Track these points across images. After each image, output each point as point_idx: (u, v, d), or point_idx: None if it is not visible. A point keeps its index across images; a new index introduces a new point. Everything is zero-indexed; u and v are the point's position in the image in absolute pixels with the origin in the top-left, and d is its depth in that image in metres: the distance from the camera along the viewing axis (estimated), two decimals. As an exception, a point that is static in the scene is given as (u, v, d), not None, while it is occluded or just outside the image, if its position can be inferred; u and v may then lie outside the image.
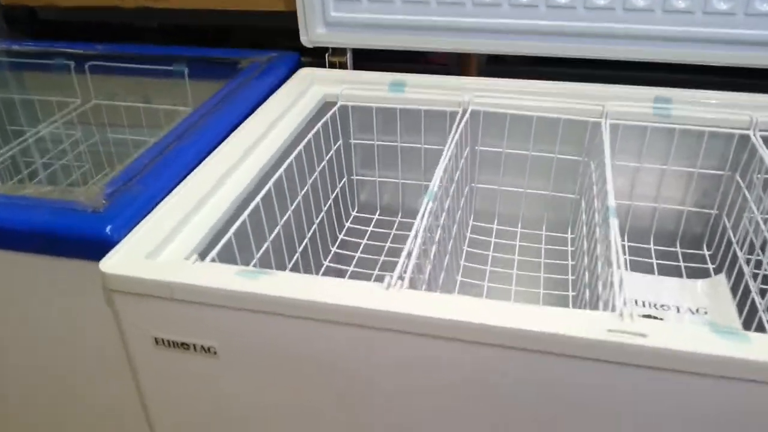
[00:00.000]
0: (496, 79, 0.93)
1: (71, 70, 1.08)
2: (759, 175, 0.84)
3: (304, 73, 0.98)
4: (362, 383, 0.58)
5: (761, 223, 0.79)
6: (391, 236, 1.01)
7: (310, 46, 1.00)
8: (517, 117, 0.91)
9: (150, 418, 0.66)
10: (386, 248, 0.99)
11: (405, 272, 0.57)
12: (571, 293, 0.90)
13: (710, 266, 0.92)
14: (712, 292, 0.86)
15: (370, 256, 0.97)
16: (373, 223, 1.04)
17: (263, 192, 0.73)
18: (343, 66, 1.01)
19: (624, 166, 0.92)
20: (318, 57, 1.02)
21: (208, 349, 0.59)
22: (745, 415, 0.50)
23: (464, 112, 0.91)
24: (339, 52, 1.00)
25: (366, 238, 1.00)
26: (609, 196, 0.70)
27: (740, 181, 0.88)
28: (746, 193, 0.86)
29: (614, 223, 0.65)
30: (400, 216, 1.05)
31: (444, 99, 0.93)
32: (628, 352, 0.49)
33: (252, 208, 0.70)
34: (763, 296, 0.77)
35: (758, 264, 0.79)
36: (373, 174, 1.02)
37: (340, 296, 0.53)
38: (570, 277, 0.93)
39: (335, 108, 0.94)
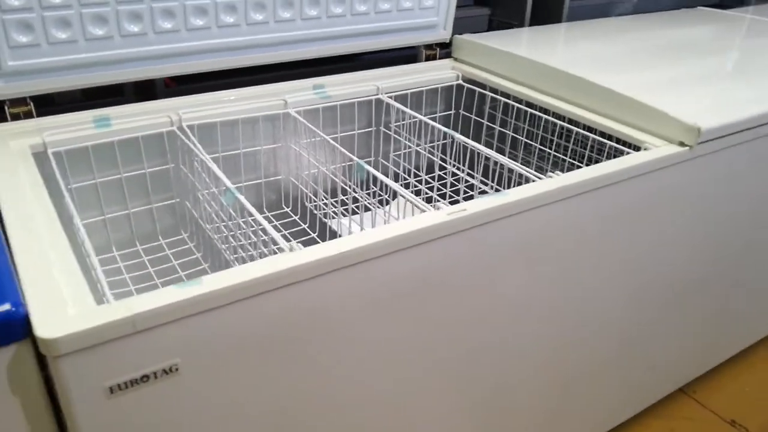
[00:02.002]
0: (195, 95, 1.05)
1: None
2: (393, 124, 1.21)
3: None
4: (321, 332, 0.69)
5: (423, 152, 1.16)
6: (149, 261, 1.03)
7: (-18, 101, 0.92)
8: (226, 123, 1.05)
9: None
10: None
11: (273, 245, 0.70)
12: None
13: (386, 196, 1.26)
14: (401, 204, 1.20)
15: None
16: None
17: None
18: (28, 115, 0.96)
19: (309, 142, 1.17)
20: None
21: (170, 369, 0.61)
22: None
23: (181, 129, 1.01)
24: (19, 101, 0.95)
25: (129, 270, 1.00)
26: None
27: (385, 131, 1.23)
28: (397, 137, 1.21)
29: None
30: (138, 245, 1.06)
31: (155, 122, 1.00)
32: (465, 220, 0.76)
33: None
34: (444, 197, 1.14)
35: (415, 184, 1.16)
36: (99, 213, 1.01)
37: (278, 265, 0.64)
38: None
39: (51, 156, 0.91)
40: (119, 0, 0.95)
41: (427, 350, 0.84)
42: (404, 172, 1.24)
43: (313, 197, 1.19)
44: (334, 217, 1.17)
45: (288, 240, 0.69)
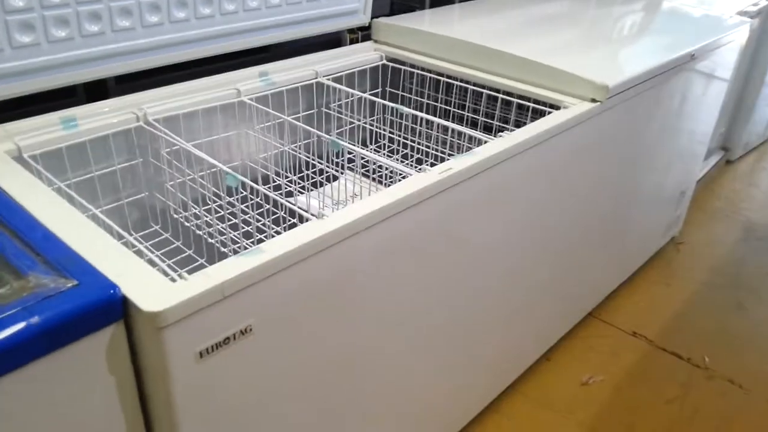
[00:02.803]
0: (153, 90, 1.07)
1: None
2: (334, 104, 1.30)
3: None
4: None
5: (368, 127, 1.26)
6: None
7: (-54, 110, 0.89)
8: (188, 114, 1.09)
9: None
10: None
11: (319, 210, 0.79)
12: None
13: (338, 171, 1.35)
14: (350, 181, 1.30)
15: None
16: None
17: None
18: (-12, 121, 0.94)
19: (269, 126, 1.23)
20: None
21: (245, 330, 0.68)
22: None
23: (148, 123, 1.03)
24: (-17, 107, 0.93)
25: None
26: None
27: (326, 111, 1.32)
28: (336, 116, 1.30)
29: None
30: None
31: (121, 119, 1.02)
32: (453, 179, 0.88)
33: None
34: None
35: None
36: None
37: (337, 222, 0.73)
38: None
39: (29, 159, 0.90)
40: (79, 1, 0.95)
41: (432, 285, 0.97)
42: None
43: (276, 177, 1.26)
44: (301, 193, 1.25)
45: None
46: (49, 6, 0.93)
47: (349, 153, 1.25)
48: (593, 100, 1.17)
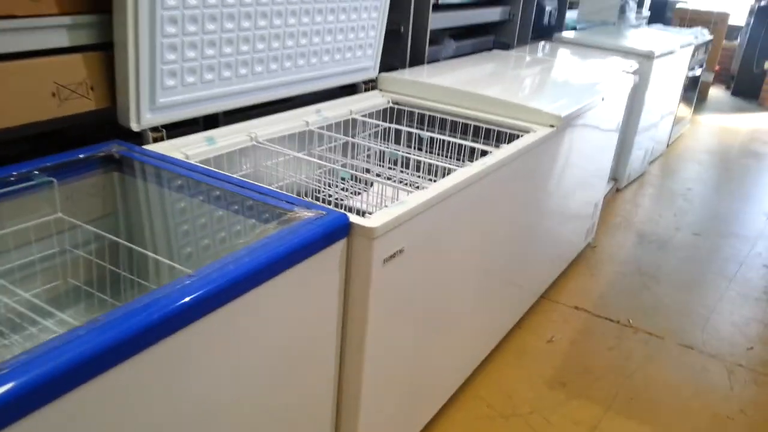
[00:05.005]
0: (250, 121, 1.47)
1: None
2: (363, 133, 1.75)
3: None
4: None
5: (391, 150, 1.70)
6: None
7: (138, 130, 1.25)
8: (281, 138, 1.50)
9: (370, 320, 1.07)
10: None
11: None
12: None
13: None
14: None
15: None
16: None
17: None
18: (161, 139, 1.30)
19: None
20: (128, 137, 1.26)
21: (401, 250, 1.10)
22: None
23: (258, 142, 1.43)
24: (156, 129, 1.29)
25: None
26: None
27: (353, 141, 1.76)
28: (365, 144, 1.75)
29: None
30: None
31: (240, 140, 1.41)
32: (488, 169, 1.36)
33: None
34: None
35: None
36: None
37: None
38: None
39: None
40: (222, 54, 1.35)
41: (484, 242, 1.42)
42: (379, 166, 1.77)
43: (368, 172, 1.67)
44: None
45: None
46: (207, 56, 1.32)
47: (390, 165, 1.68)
48: (551, 126, 1.70)
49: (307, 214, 0.99)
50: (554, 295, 2.19)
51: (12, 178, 1.05)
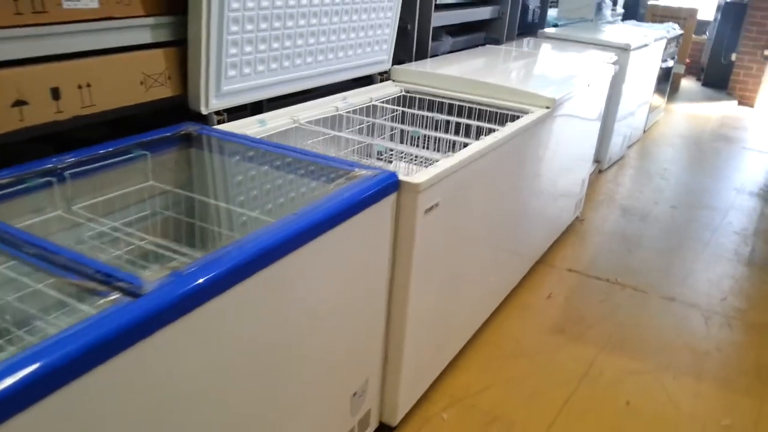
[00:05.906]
0: (291, 106, 1.71)
1: (55, 183, 1.16)
2: (381, 118, 1.99)
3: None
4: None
5: (409, 130, 1.96)
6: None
7: (206, 113, 1.48)
8: (317, 120, 1.74)
9: (414, 261, 1.32)
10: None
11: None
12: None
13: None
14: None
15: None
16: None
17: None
18: (223, 121, 1.53)
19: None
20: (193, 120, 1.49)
21: (436, 205, 1.34)
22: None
23: (300, 124, 1.67)
24: (219, 113, 1.52)
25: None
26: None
27: (374, 121, 2.01)
28: (383, 122, 2.00)
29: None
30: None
31: (286, 122, 1.65)
32: (498, 141, 1.61)
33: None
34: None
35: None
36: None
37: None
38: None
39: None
40: (271, 48, 1.59)
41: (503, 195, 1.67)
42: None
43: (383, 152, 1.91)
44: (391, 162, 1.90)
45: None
46: (260, 51, 1.56)
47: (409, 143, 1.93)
48: (546, 107, 1.96)
49: (365, 173, 1.23)
50: (549, 261, 2.46)
51: (110, 152, 1.28)
